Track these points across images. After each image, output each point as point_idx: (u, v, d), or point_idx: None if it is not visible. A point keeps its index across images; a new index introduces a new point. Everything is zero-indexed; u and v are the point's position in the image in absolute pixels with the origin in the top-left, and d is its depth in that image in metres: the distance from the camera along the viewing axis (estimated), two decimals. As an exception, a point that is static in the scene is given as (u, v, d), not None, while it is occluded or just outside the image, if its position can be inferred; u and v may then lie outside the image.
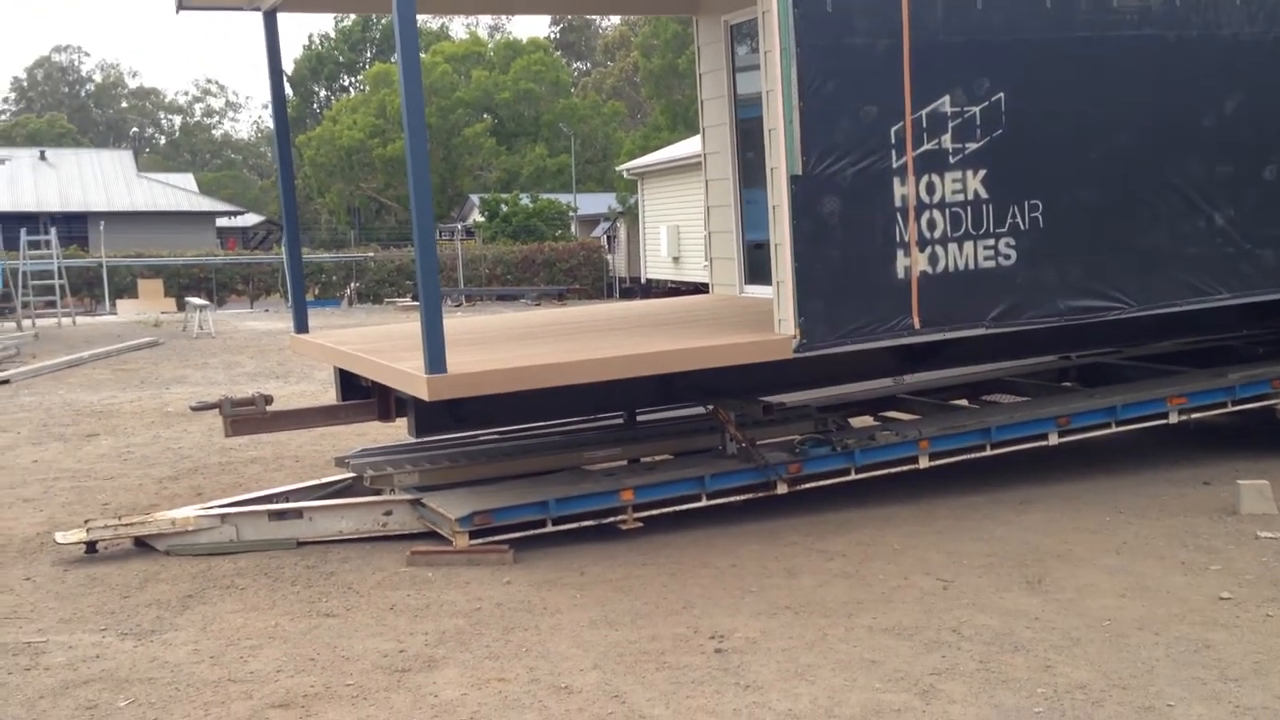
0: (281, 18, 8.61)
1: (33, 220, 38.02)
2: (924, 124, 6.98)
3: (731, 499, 7.23)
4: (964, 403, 9.06)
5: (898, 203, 6.95)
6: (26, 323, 24.37)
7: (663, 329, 8.10)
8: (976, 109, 7.13)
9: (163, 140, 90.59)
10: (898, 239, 6.98)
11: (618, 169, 38.44)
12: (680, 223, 30.22)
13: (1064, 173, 7.45)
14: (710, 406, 7.59)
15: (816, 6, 6.67)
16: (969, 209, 7.15)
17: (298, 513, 7.02)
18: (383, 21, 60.62)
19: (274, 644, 5.37)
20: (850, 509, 7.40)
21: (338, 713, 4.61)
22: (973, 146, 7.13)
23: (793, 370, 7.43)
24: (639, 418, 8.40)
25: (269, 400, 7.94)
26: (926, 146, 7.00)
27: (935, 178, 7.04)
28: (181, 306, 29.57)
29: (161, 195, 47.20)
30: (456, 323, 8.76)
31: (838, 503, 7.46)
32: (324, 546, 6.89)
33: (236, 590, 6.18)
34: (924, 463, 7.59)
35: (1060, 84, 7.42)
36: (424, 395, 6.37)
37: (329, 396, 10.11)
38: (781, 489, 7.26)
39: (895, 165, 6.92)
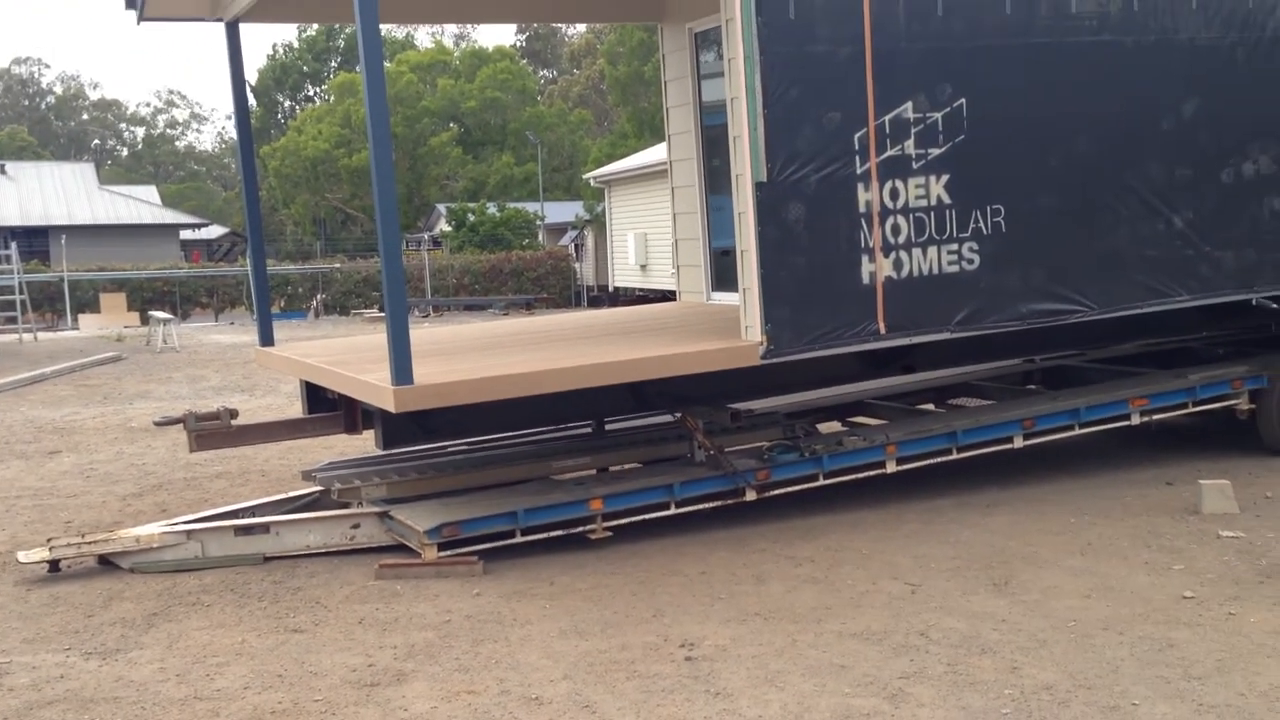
0: (244, 28, 8.57)
1: (-8, 234, 37.61)
2: (887, 130, 7.02)
3: (700, 506, 7.23)
4: (930, 407, 9.11)
5: (862, 208, 6.99)
6: (-13, 338, 24.07)
7: (630, 337, 8.11)
8: (939, 115, 7.19)
9: (125, 152, 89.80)
10: (862, 245, 7.01)
11: (584, 177, 38.45)
12: (647, 230, 30.26)
13: (1025, 177, 7.51)
14: (678, 414, 7.60)
15: (780, 14, 6.71)
16: (932, 214, 7.20)
17: (264, 528, 6.97)
18: (346, 31, 60.37)
19: (241, 661, 5.33)
20: (819, 515, 7.42)
21: (306, 728, 4.57)
22: (935, 152, 7.18)
23: (760, 377, 7.44)
24: (607, 427, 8.40)
25: (234, 414, 7.88)
26: (890, 152, 7.05)
27: (899, 183, 7.09)
28: (145, 320, 29.29)
29: (124, 208, 46.75)
30: (423, 333, 8.74)
31: (806, 509, 7.48)
32: (291, 561, 6.84)
33: (202, 607, 6.13)
34: (891, 467, 7.63)
35: (1021, 90, 7.49)
36: (390, 407, 6.34)
37: (295, 410, 10.04)
38: (750, 496, 7.27)
39: (859, 171, 6.96)
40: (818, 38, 6.84)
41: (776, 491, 7.38)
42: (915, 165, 7.13)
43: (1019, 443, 7.95)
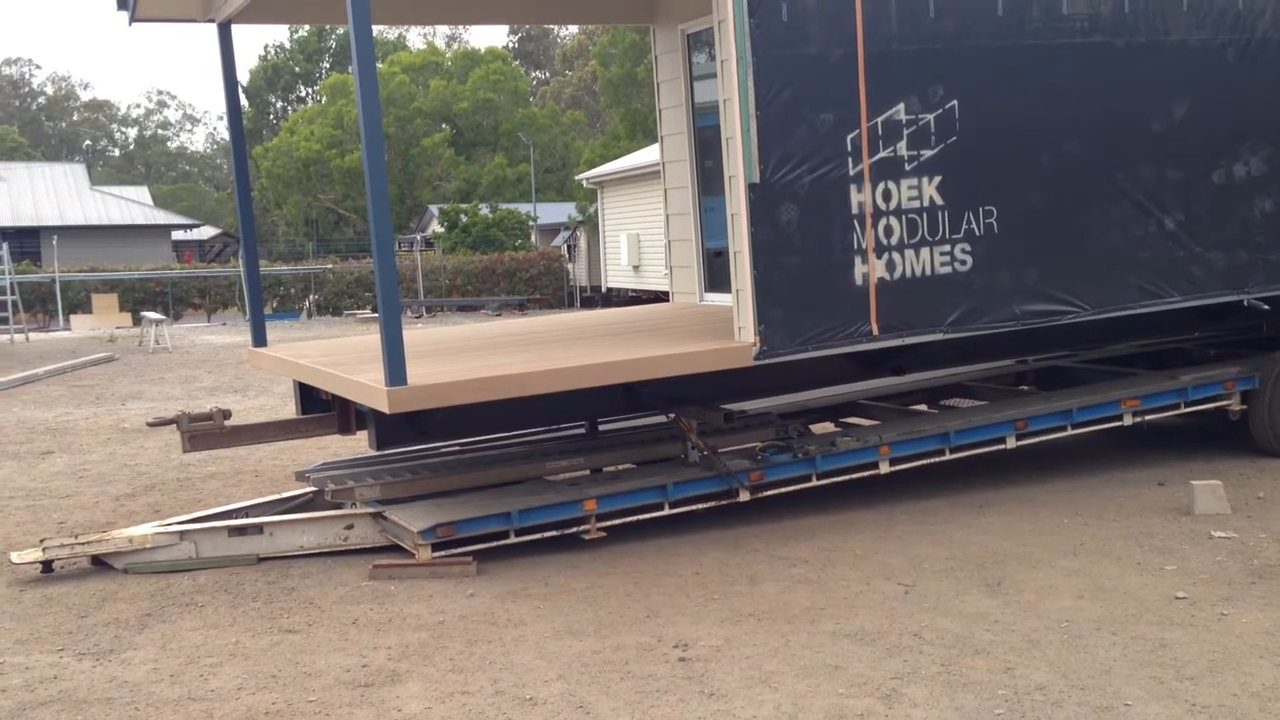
0: (236, 29, 8.56)
1: (-16, 235, 37.49)
2: (879, 131, 7.04)
3: (694, 507, 7.24)
4: (923, 408, 9.13)
5: (855, 210, 7.01)
6: (-22, 339, 24.01)
7: (623, 338, 8.11)
8: (931, 116, 7.20)
9: (116, 153, 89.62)
10: (855, 246, 7.03)
11: (577, 178, 38.45)
12: (640, 231, 30.28)
13: (1017, 179, 7.53)
14: (672, 415, 7.61)
15: (772, 16, 6.72)
16: (925, 215, 7.21)
17: (258, 528, 6.96)
18: (338, 32, 60.36)
19: (235, 661, 5.33)
20: (812, 515, 7.43)
21: (300, 729, 4.58)
22: (928, 154, 7.20)
23: (753, 377, 7.46)
24: (601, 427, 8.41)
25: (227, 415, 7.88)
26: (882, 154, 7.06)
27: (891, 185, 7.11)
28: (137, 321, 29.25)
29: (115, 209, 46.65)
30: (417, 334, 8.73)
31: (800, 509, 7.49)
32: (285, 562, 6.84)
33: (196, 608, 6.12)
34: (884, 468, 7.65)
35: (1013, 91, 7.51)
36: (384, 408, 6.34)
37: (288, 410, 10.03)
38: (744, 496, 7.28)
39: (852, 173, 6.98)
40: (810, 39, 6.86)
41: (770, 492, 7.39)
42: (907, 167, 7.14)
43: (1012, 443, 7.97)
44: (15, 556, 6.82)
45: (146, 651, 5.49)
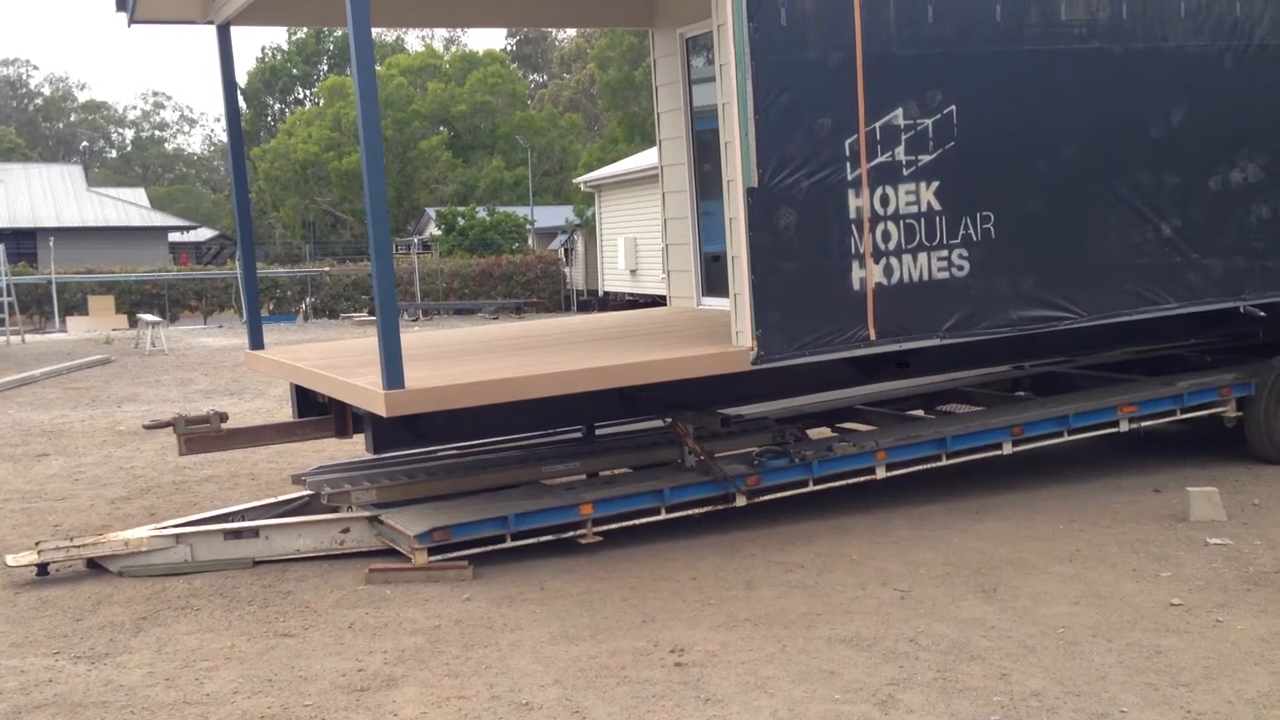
0: (234, 30, 8.56)
1: (-20, 236, 37.43)
2: (878, 136, 7.04)
3: (691, 512, 7.24)
4: (920, 413, 9.13)
5: (852, 215, 7.01)
6: (-26, 340, 23.97)
7: (620, 342, 8.11)
8: (929, 121, 7.21)
9: (114, 154, 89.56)
10: (853, 251, 7.03)
11: (575, 181, 38.45)
12: (638, 235, 30.29)
13: (1015, 184, 7.54)
14: (669, 419, 7.60)
15: (771, 20, 6.72)
16: (922, 220, 7.22)
17: (254, 531, 6.95)
18: (336, 34, 60.36)
19: (230, 665, 5.32)
20: (809, 520, 7.43)
21: (295, 734, 4.57)
22: (925, 159, 7.20)
23: (750, 382, 7.46)
24: (598, 431, 8.40)
25: (224, 418, 7.86)
26: (880, 159, 7.06)
27: (889, 190, 7.11)
28: (133, 323, 29.21)
29: (112, 210, 46.62)
30: (414, 337, 8.72)
31: (796, 514, 7.49)
32: (281, 565, 6.83)
33: (192, 611, 6.11)
34: (881, 473, 7.65)
35: (1011, 97, 7.52)
36: (381, 411, 6.34)
37: (285, 413, 10.03)
38: (740, 501, 7.28)
39: (850, 177, 6.98)
40: (809, 44, 6.86)
41: (767, 497, 7.39)
42: (905, 171, 7.15)
43: (1008, 449, 7.97)
44: (10, 559, 6.80)
45: (142, 655, 5.48)
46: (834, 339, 7.02)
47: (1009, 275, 7.50)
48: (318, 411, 8.09)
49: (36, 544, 7.00)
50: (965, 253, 7.35)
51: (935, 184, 7.23)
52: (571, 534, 6.93)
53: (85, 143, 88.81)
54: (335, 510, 7.33)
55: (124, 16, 8.44)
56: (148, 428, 7.97)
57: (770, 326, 6.83)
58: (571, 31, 65.72)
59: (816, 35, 6.88)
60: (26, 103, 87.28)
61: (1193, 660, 4.99)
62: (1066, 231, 7.70)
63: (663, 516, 7.13)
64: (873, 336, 7.12)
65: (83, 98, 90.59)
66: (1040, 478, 8.41)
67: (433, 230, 45.03)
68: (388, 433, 7.15)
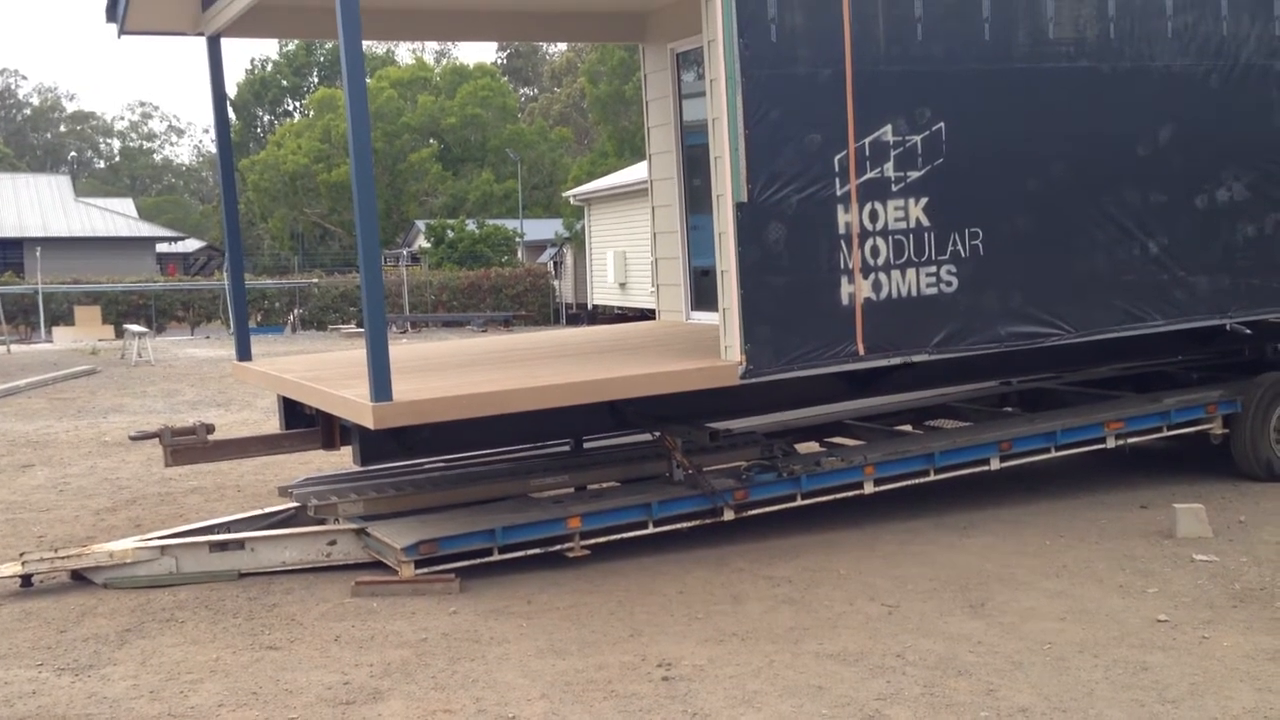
0: (224, 42, 8.55)
1: (-33, 246, 37.33)
2: (867, 152, 7.07)
3: (679, 526, 7.23)
4: (908, 428, 9.15)
5: (842, 230, 7.03)
6: (-40, 350, 23.85)
7: (609, 355, 8.11)
8: (918, 138, 7.24)
9: (102, 165, 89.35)
10: (842, 266, 7.05)
11: (564, 195, 38.50)
12: (627, 249, 30.33)
13: (1003, 201, 7.58)
14: (657, 433, 7.60)
15: (761, 36, 6.75)
16: (911, 236, 7.24)
17: (239, 543, 6.92)
18: (327, 46, 60.37)
19: (215, 678, 5.29)
20: (796, 535, 7.43)
21: (280, 747, 4.54)
22: (914, 175, 7.23)
23: (739, 397, 7.47)
24: (586, 445, 8.39)
25: (210, 429, 7.83)
26: (869, 175, 7.09)
27: (878, 205, 7.14)
28: (120, 334, 29.10)
29: (100, 220, 46.49)
30: (402, 350, 8.72)
31: (784, 529, 7.49)
32: (267, 578, 6.80)
33: (176, 623, 6.08)
34: (869, 488, 7.65)
35: (999, 114, 7.56)
36: (369, 423, 6.32)
37: (272, 425, 9.99)
38: (728, 515, 7.28)
39: (839, 193, 7.00)
40: (799, 60, 6.89)
41: (754, 511, 7.39)
42: (894, 188, 7.18)
43: (996, 465, 7.99)
44: (-6, 570, 6.76)
45: (126, 667, 5.45)
46: (823, 354, 7.04)
47: (997, 291, 7.53)
48: (305, 423, 8.07)
49: (20, 555, 6.95)
50: (954, 269, 7.38)
51: (924, 200, 7.26)
52: (559, 547, 6.91)
53: (73, 153, 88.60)
54: (322, 522, 7.30)
55: (114, 27, 8.43)
56: (134, 439, 7.93)
57: (759, 341, 6.84)
58: (562, 45, 65.92)
59: (806, 51, 6.91)
60: (15, 113, 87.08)
61: (1179, 676, 5.00)
62: (1054, 248, 7.73)
63: (650, 530, 7.13)
64: (861, 351, 7.14)
65: (71, 108, 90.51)
66: (1028, 494, 8.42)
67: (422, 243, 45.01)
68: (375, 445, 7.13)
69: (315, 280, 37.45)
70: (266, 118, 67.94)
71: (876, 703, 4.78)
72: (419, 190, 54.47)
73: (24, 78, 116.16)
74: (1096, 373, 9.58)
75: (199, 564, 6.82)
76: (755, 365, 6.85)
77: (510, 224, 44.97)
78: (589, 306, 33.84)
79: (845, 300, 7.06)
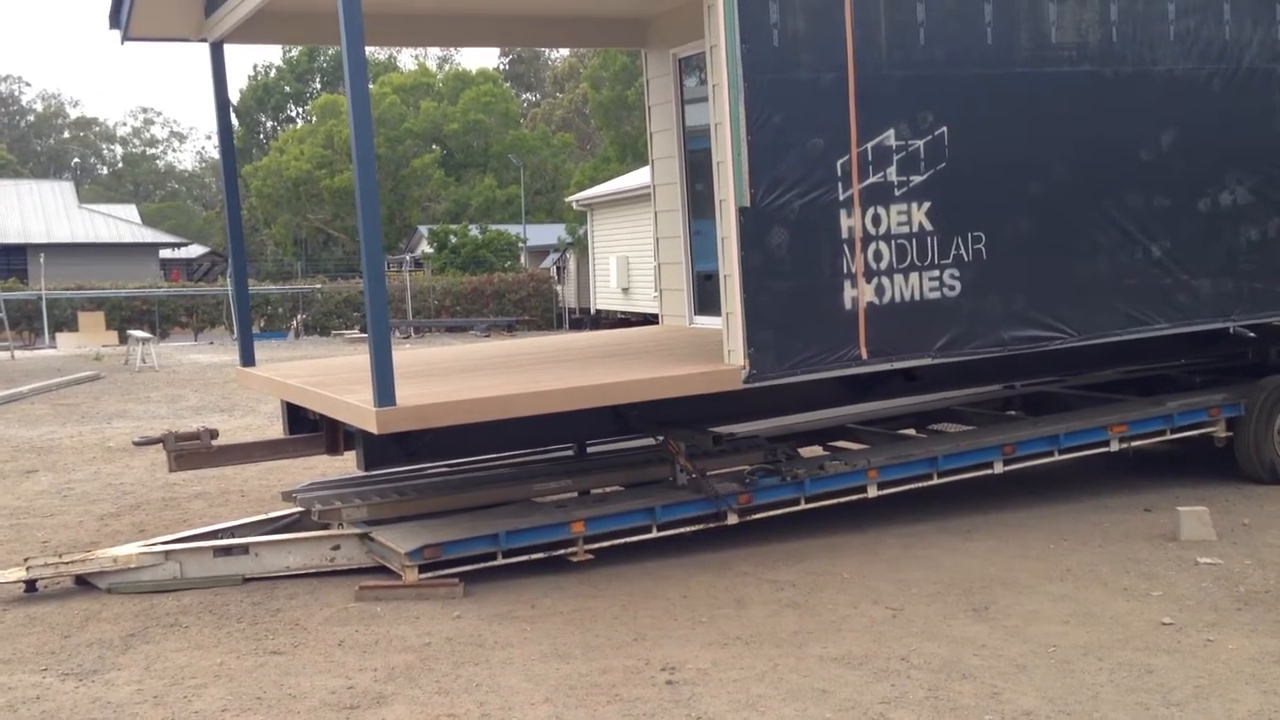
0: (227, 48, 8.58)
1: (-29, 252, 37.40)
2: (869, 157, 7.08)
3: (682, 530, 7.23)
4: (911, 432, 9.15)
5: (844, 234, 7.04)
6: (-37, 356, 23.88)
7: (612, 360, 8.12)
8: (920, 142, 7.25)
9: (105, 171, 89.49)
10: (845, 270, 7.06)
11: (567, 200, 38.52)
12: (630, 254, 30.33)
13: (1006, 205, 7.58)
14: (660, 438, 7.60)
15: (764, 41, 6.76)
16: (914, 241, 7.25)
17: (244, 548, 6.93)
18: (330, 52, 60.47)
19: (219, 683, 5.29)
20: (800, 539, 7.43)
21: (285, 752, 4.54)
22: (917, 179, 7.24)
23: (742, 401, 7.47)
24: (589, 449, 8.40)
25: (214, 434, 7.85)
26: (872, 179, 7.10)
27: (881, 210, 7.14)
28: (123, 339, 29.13)
29: (103, 226, 46.58)
30: (405, 355, 8.72)
31: (788, 532, 7.49)
32: (271, 582, 6.80)
33: (181, 628, 6.08)
34: (873, 492, 7.65)
35: (1002, 119, 7.57)
36: (373, 428, 6.33)
37: (275, 430, 10.01)
38: (732, 519, 7.28)
39: (842, 197, 7.01)
40: (801, 65, 6.90)
41: (758, 515, 7.39)
42: (897, 192, 7.19)
43: (999, 468, 7.99)
44: (-2, 575, 6.77)
45: (130, 672, 5.45)
46: (826, 358, 7.04)
47: (1000, 295, 7.54)
48: (309, 428, 8.08)
49: (25, 560, 6.97)
50: (957, 273, 7.38)
51: (927, 204, 7.26)
52: (562, 552, 6.92)
53: (77, 159, 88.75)
54: (326, 527, 7.31)
55: (117, 34, 8.46)
56: (137, 444, 7.94)
57: (762, 345, 6.85)
58: (564, 51, 65.99)
59: (809, 56, 6.92)
60: (19, 119, 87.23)
61: (1184, 679, 4.99)
62: (1057, 252, 7.74)
63: (654, 534, 7.13)
64: (864, 356, 7.14)
65: (74, 114, 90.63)
66: (1031, 497, 8.42)
67: (425, 248, 45.06)
68: (379, 450, 7.14)
69: (318, 286, 37.48)
70: (269, 123, 68.00)
71: (881, 706, 4.78)
72: (422, 196, 54.53)
73: (28, 84, 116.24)
74: (1099, 376, 9.58)
75: (203, 569, 6.83)
76: (758, 370, 6.86)
77: (513, 229, 45.02)
78: (592, 311, 33.85)
79: (848, 305, 7.07)
